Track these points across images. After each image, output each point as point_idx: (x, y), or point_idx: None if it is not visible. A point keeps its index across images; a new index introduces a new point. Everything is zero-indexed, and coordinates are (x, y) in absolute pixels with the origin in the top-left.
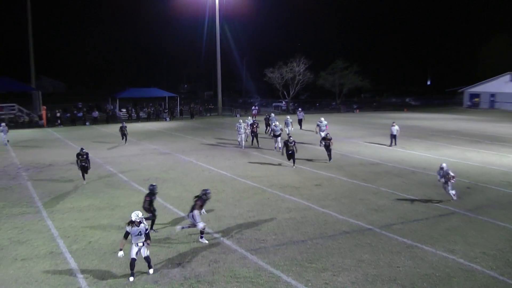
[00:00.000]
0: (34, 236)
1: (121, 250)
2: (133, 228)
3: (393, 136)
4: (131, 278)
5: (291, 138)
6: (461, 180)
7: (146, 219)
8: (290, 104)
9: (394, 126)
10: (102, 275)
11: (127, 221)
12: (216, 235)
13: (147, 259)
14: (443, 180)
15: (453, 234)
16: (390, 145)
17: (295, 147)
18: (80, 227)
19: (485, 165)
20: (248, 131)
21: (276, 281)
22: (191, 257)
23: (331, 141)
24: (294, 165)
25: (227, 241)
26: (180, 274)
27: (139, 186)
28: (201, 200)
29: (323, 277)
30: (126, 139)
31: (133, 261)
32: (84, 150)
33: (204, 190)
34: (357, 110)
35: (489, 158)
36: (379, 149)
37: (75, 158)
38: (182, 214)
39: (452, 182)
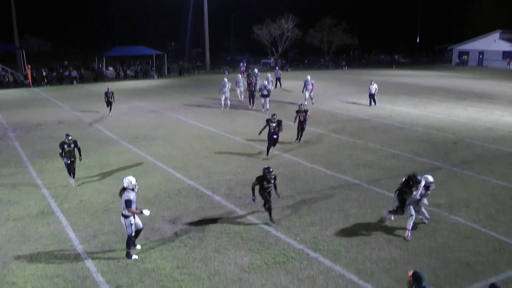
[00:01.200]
0: (25, 196)
1: (141, 212)
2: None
3: (372, 96)
4: (138, 246)
5: (275, 116)
6: (448, 136)
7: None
8: (279, 61)
9: (372, 85)
10: (94, 233)
11: (119, 189)
12: (206, 191)
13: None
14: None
15: (438, 188)
16: (370, 105)
17: (281, 128)
18: (70, 186)
19: (472, 122)
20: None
21: (265, 236)
22: (181, 214)
23: (308, 113)
24: (268, 154)
25: (217, 197)
26: (171, 231)
27: (128, 144)
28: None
29: (312, 231)
30: (111, 108)
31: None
32: (71, 138)
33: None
34: (346, 67)
35: (475, 115)
36: (366, 106)
37: (59, 149)
38: (171, 171)
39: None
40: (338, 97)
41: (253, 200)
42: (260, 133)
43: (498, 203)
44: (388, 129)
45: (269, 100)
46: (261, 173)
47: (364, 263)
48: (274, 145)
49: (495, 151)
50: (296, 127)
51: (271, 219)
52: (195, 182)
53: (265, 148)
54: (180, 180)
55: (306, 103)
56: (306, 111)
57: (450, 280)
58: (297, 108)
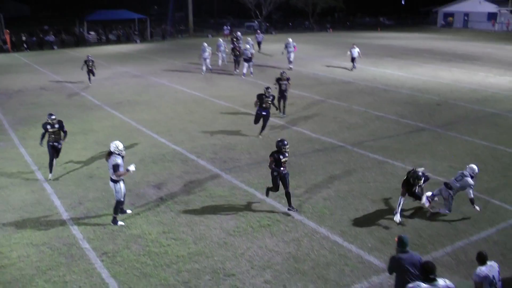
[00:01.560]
0: (8, 164)
1: (128, 170)
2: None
3: (354, 59)
4: (129, 211)
5: (269, 90)
6: (432, 97)
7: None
8: (263, 24)
9: (354, 48)
10: (79, 200)
11: (106, 152)
12: (190, 156)
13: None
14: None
15: (422, 149)
16: (352, 69)
17: (273, 103)
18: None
19: (456, 83)
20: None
21: (250, 199)
22: (167, 179)
23: (289, 82)
24: (261, 133)
25: (202, 161)
26: (156, 196)
27: (112, 109)
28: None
29: (296, 194)
30: (90, 78)
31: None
32: (54, 117)
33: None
34: (330, 30)
35: (460, 76)
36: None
37: (42, 130)
38: (155, 136)
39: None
40: (322, 60)
41: (274, 174)
42: (256, 104)
43: (481, 163)
44: (373, 91)
45: (252, 64)
46: (245, 135)
47: (348, 224)
48: (264, 124)
49: (478, 112)
50: (277, 97)
51: (290, 206)
52: (180, 146)
53: (249, 111)
54: (165, 145)
55: (291, 66)
56: (288, 79)
57: (433, 240)
58: (278, 76)
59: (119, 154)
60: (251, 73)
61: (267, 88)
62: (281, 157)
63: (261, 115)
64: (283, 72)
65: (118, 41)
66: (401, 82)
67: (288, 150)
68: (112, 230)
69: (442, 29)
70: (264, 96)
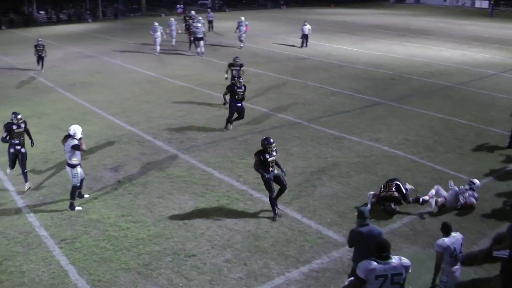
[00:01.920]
0: None
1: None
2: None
3: (305, 36)
4: (87, 195)
5: (241, 80)
6: (387, 72)
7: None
8: (217, 1)
9: (306, 25)
10: (34, 186)
11: (62, 132)
12: (147, 137)
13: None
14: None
15: (378, 123)
16: (301, 46)
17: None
18: None
19: (410, 57)
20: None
21: (208, 178)
22: (124, 161)
23: (242, 69)
24: (229, 125)
25: (158, 142)
26: (113, 179)
27: (65, 91)
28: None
29: (254, 172)
30: (42, 64)
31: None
32: (20, 116)
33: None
34: (284, 7)
35: (413, 51)
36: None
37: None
38: (111, 118)
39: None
40: (277, 37)
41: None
42: (225, 102)
43: (436, 134)
44: (328, 67)
45: (204, 43)
46: (202, 115)
47: (306, 200)
48: (240, 116)
49: (432, 85)
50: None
51: (275, 213)
52: (136, 127)
53: (204, 90)
54: (121, 126)
55: (242, 45)
56: (241, 66)
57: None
58: (231, 61)
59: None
60: (202, 52)
61: (238, 77)
62: (267, 156)
63: (236, 107)
64: (236, 57)
65: (69, 20)
66: (356, 58)
67: (275, 148)
68: (70, 216)
69: (395, 5)
70: (235, 87)
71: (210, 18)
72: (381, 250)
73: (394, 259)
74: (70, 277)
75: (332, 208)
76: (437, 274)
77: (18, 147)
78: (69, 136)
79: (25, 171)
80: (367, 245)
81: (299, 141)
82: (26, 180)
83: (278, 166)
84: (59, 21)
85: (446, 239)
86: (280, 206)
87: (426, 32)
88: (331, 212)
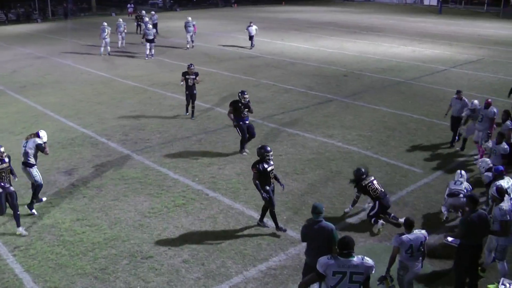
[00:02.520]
0: None
1: None
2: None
3: (251, 37)
4: (44, 198)
5: (245, 94)
6: (339, 69)
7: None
8: (167, 1)
9: (251, 26)
10: None
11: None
12: (100, 138)
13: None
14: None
15: (332, 120)
16: (251, 47)
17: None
18: None
19: (361, 54)
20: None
21: (164, 179)
22: (77, 164)
23: (197, 77)
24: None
25: (112, 144)
26: (67, 182)
27: (16, 94)
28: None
29: (209, 171)
30: None
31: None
32: (3, 150)
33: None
34: (235, 5)
35: (365, 48)
36: (257, 42)
37: None
38: (63, 120)
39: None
40: (229, 35)
41: (265, 197)
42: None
43: (389, 129)
44: (280, 64)
45: (154, 45)
46: (155, 115)
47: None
48: (252, 134)
49: (384, 81)
50: (185, 95)
51: (279, 227)
52: (89, 129)
53: (157, 90)
54: (73, 128)
55: (188, 46)
56: (196, 74)
57: (345, 206)
58: (185, 69)
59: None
60: (152, 54)
61: (243, 92)
62: (265, 166)
63: (245, 125)
64: (191, 64)
65: (18, 20)
66: (308, 55)
67: (272, 157)
68: (24, 222)
69: (345, 3)
70: (240, 104)
71: (155, 21)
72: (343, 247)
73: (356, 258)
74: (25, 285)
75: (288, 205)
76: (390, 266)
77: (7, 185)
78: (35, 135)
79: (18, 213)
80: (317, 240)
81: (254, 139)
82: (18, 225)
83: (277, 179)
84: (7, 21)
85: (405, 235)
86: (238, 205)
87: (376, 29)
88: (287, 209)
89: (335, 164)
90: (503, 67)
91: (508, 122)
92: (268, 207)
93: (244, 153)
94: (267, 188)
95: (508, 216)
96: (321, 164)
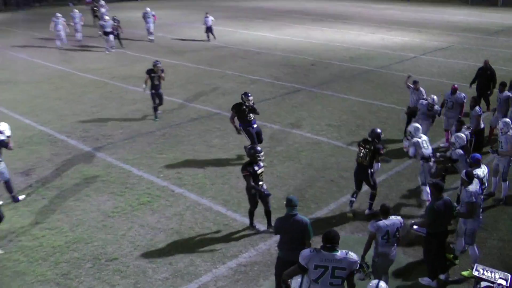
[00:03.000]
0: None
1: None
2: None
3: (209, 29)
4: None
5: (249, 96)
6: (306, 58)
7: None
8: None
9: (208, 17)
10: None
11: None
12: (60, 136)
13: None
14: None
15: (300, 110)
16: (208, 39)
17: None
18: None
19: (329, 43)
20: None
21: (127, 176)
22: (35, 163)
23: (163, 74)
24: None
25: (72, 141)
26: (25, 184)
27: None
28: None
29: (175, 167)
30: None
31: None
32: None
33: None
34: None
35: (332, 36)
36: (222, 32)
37: None
38: (19, 117)
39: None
40: (192, 25)
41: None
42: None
43: (358, 118)
44: (246, 55)
45: (113, 37)
46: (117, 110)
47: (230, 193)
48: (260, 139)
49: (352, 70)
50: (150, 94)
51: (252, 226)
52: (47, 127)
53: (118, 84)
54: (30, 126)
55: (149, 37)
56: (162, 71)
57: (316, 198)
58: (147, 62)
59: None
60: (112, 46)
61: (246, 94)
62: (256, 168)
63: (254, 129)
64: (157, 61)
65: None
66: (274, 44)
67: (263, 157)
68: None
69: None
70: (244, 107)
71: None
72: (327, 241)
73: (340, 252)
74: None
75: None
76: (366, 253)
77: None
78: None
79: None
80: (291, 234)
81: (220, 132)
82: None
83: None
84: None
85: (381, 221)
86: (205, 200)
87: (343, 16)
88: None
89: (305, 155)
90: (472, 53)
91: (477, 108)
92: (251, 206)
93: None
94: (255, 188)
95: (474, 198)
96: (290, 156)
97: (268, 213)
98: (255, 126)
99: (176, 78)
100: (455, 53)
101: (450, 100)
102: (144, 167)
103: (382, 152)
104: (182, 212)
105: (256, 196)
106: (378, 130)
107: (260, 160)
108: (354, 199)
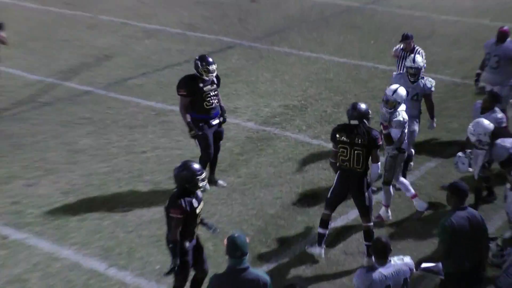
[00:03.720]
0: None
1: None
2: None
3: None
4: None
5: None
6: None
7: None
8: None
9: None
10: None
11: None
12: None
13: None
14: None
15: (234, 82)
16: None
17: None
18: None
19: None
20: None
21: None
22: None
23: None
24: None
25: None
26: None
27: None
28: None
29: (8, 194)
30: None
31: None
32: None
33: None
34: None
35: None
36: None
37: None
38: None
39: None
40: None
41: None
42: None
43: (337, 92)
44: None
45: None
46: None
47: (115, 235)
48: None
49: (323, 7)
50: None
51: None
52: None
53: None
54: None
55: None
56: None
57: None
58: None
59: None
60: None
61: (203, 58)
62: (194, 203)
63: (210, 132)
64: None
65: None
66: None
67: (205, 182)
68: None
69: None
70: (200, 85)
71: None
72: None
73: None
74: None
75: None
76: None
77: None
78: None
79: None
80: None
81: (92, 126)
82: None
83: (204, 224)
84: None
85: (375, 271)
86: (65, 251)
87: None
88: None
89: (245, 163)
90: None
91: None
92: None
93: (220, 184)
94: (187, 244)
95: None
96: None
97: (200, 282)
98: (213, 123)
99: (9, 31)
100: None
101: (494, 54)
102: None
103: (379, 143)
104: (23, 275)
105: (190, 254)
106: (363, 105)
107: (199, 186)
108: (325, 231)
